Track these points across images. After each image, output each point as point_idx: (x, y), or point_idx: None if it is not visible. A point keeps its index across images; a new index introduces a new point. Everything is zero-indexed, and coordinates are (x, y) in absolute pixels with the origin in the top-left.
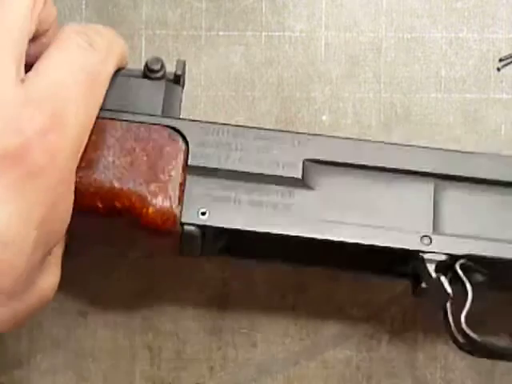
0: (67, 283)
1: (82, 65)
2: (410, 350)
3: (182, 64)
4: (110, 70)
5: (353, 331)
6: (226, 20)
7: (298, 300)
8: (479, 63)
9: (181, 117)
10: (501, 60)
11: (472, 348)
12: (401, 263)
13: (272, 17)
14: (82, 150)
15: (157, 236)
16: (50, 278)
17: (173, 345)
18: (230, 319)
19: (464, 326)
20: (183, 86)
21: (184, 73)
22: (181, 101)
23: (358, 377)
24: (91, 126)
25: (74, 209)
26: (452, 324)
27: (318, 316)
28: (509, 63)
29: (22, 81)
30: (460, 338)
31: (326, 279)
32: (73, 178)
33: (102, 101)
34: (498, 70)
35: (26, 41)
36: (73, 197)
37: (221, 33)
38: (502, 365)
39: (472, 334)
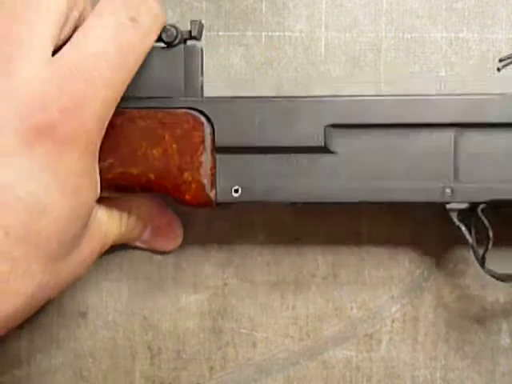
0: None
1: (117, 42)
2: (410, 349)
3: (197, 24)
4: (150, 44)
5: (353, 331)
6: (226, 20)
7: (298, 300)
8: (479, 63)
9: (203, 89)
10: (501, 60)
11: (499, 279)
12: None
13: (272, 17)
14: (106, 122)
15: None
16: (89, 244)
17: (173, 345)
18: (230, 319)
19: (486, 265)
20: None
21: (201, 32)
22: (202, 60)
23: (358, 377)
24: (118, 99)
25: (115, 191)
26: (478, 263)
27: (317, 316)
28: (509, 63)
29: (54, 56)
30: (486, 273)
31: (326, 280)
32: (96, 150)
33: (133, 74)
34: (498, 70)
35: (61, 22)
36: (97, 168)
37: (221, 33)
38: (503, 365)
39: (494, 272)
